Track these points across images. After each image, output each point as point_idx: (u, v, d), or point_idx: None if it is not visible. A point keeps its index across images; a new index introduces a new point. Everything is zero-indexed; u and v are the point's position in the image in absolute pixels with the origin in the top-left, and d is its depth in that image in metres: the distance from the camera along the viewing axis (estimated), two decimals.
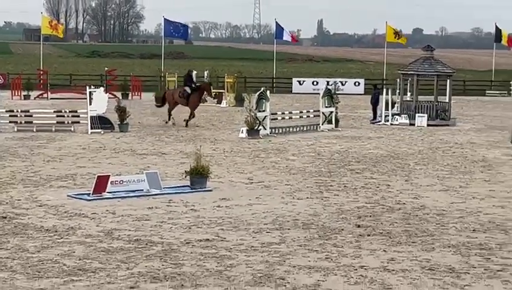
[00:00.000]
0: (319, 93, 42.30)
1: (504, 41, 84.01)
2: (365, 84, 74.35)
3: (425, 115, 44.20)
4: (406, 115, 44.53)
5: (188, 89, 40.92)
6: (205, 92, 40.79)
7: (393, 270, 14.27)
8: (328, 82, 50.34)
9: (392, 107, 44.94)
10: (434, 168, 27.91)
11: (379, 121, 44.79)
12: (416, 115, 44.21)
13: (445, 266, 14.59)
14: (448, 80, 46.56)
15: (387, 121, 44.17)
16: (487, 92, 78.29)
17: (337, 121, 41.23)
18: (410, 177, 25.56)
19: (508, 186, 24.16)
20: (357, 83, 76.25)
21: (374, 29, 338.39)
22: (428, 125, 43.37)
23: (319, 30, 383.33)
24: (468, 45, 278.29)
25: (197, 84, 42.56)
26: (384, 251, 15.68)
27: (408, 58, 62.91)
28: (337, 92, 43.35)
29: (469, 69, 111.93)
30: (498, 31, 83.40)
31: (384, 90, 46.02)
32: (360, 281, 13.52)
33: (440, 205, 20.79)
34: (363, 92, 69.51)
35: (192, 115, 40.77)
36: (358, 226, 17.93)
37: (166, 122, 40.98)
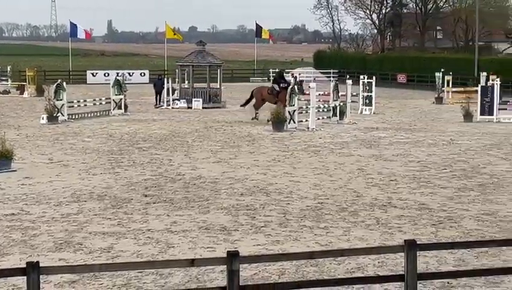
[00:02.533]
0: (109, 83, 41.63)
1: (264, 36, 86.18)
2: (150, 74, 74.27)
3: (201, 100, 44.62)
4: (184, 100, 44.76)
5: (276, 87, 36.76)
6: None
7: (175, 231, 14.35)
8: (117, 73, 49.57)
9: (173, 93, 45.05)
10: (208, 144, 28.21)
11: (162, 106, 44.77)
12: (193, 99, 44.53)
13: (218, 225, 14.84)
14: (218, 70, 47.16)
15: (169, 105, 44.21)
16: (251, 78, 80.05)
17: (126, 106, 40.81)
18: (188, 152, 25.72)
19: (269, 157, 24.79)
20: (142, 74, 76.03)
21: (156, 28, 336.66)
22: (203, 108, 43.78)
23: (109, 29, 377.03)
24: (235, 40, 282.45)
25: (287, 83, 36.88)
26: (168, 215, 15.74)
27: (185, 52, 63.17)
28: (125, 82, 42.92)
29: (236, 60, 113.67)
30: (258, 28, 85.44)
31: (165, 79, 46.22)
32: (148, 242, 13.52)
33: (213, 174, 21.05)
34: (148, 81, 69.05)
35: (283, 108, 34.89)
36: (146, 195, 17.88)
37: (253, 119, 36.76)
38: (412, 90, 64.05)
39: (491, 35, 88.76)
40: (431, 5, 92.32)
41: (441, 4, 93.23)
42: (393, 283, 10.29)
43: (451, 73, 53.46)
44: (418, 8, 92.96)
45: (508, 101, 40.22)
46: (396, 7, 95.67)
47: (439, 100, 49.63)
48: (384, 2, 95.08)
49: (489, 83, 41.10)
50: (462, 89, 50.28)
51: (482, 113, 37.21)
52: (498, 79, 40.55)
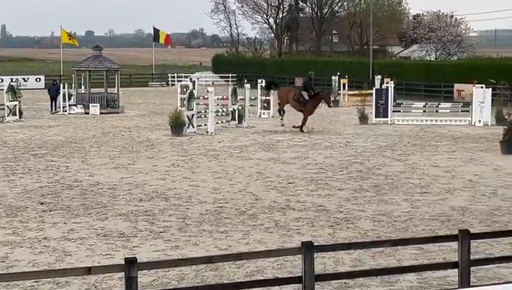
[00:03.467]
0: (3, 89, 40.56)
1: (161, 41, 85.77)
2: (45, 79, 72.82)
3: (98, 105, 43.97)
4: (81, 105, 44.05)
5: (305, 95, 33.50)
6: (322, 101, 34.38)
7: (72, 239, 14.10)
8: (11, 79, 48.32)
9: (69, 98, 44.27)
10: (106, 149, 27.84)
11: (58, 112, 43.93)
12: (90, 104, 43.88)
13: (117, 232, 14.66)
14: (116, 74, 46.65)
15: (65, 111, 43.43)
16: (149, 83, 79.53)
17: (20, 112, 39.86)
18: (86, 159, 25.32)
19: (168, 161, 24.66)
20: (38, 79, 74.56)
21: (52, 32, 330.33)
22: (101, 113, 43.17)
23: (3, 34, 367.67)
24: (133, 44, 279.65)
25: (316, 91, 34.78)
26: (65, 223, 15.44)
27: (82, 56, 62.06)
28: (19, 88, 41.95)
29: (134, 64, 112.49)
30: (156, 32, 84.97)
31: (61, 84, 45.39)
32: (44, 251, 13.23)
33: (112, 180, 20.78)
34: (43, 87, 67.63)
35: (304, 121, 33.82)
36: (42, 203, 17.50)
37: (282, 119, 34.22)
38: None
39: (385, 39, 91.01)
40: (326, 10, 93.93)
41: (336, 8, 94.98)
42: (292, 284, 10.39)
43: (347, 76, 54.53)
44: (313, 12, 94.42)
45: (402, 103, 41.36)
46: (293, 11, 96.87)
47: (335, 103, 50.42)
48: (281, 6, 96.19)
49: (384, 85, 42.13)
50: (357, 92, 51.32)
51: (377, 116, 38.04)
52: (392, 82, 41.66)
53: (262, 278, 11.45)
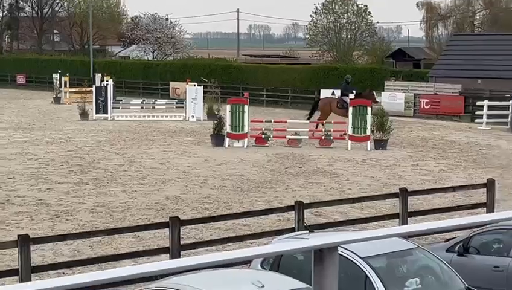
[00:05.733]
0: None
1: None
2: None
3: None
4: None
5: (346, 99, 29.19)
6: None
7: None
8: None
9: None
10: None
11: None
12: None
13: None
14: None
15: None
16: None
17: None
18: None
19: None
20: None
21: None
22: None
23: None
24: None
25: (358, 92, 30.28)
26: None
27: None
28: None
29: None
30: None
31: None
32: None
33: None
34: None
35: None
36: None
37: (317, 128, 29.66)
38: (31, 91, 62.64)
39: (106, 39, 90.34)
40: (47, 9, 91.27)
41: (57, 9, 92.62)
42: (10, 277, 10.04)
43: (68, 74, 53.48)
44: (34, 11, 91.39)
45: (121, 100, 41.42)
46: (13, 10, 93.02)
47: (57, 100, 49.37)
48: (1, 5, 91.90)
49: (104, 83, 41.90)
50: (78, 89, 50.56)
51: (97, 112, 37.72)
52: (111, 80, 41.52)
53: None
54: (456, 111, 39.19)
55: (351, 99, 28.46)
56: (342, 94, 31.07)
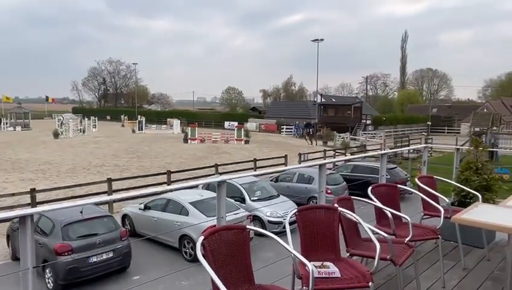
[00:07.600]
0: None
1: None
2: None
3: None
4: None
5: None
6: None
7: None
8: None
9: None
10: None
11: None
12: None
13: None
14: None
15: None
16: None
17: None
18: None
19: None
20: None
21: None
22: None
23: None
24: None
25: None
26: None
27: None
28: None
29: None
30: None
31: None
32: None
33: None
34: None
35: None
36: None
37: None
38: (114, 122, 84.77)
39: (141, 102, 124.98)
40: (118, 90, 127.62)
41: (122, 90, 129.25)
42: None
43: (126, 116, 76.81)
44: (112, 90, 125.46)
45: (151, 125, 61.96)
46: (104, 90, 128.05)
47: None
48: (100, 89, 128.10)
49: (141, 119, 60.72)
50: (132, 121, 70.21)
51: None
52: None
53: None
54: (274, 129, 73.80)
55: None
56: None
